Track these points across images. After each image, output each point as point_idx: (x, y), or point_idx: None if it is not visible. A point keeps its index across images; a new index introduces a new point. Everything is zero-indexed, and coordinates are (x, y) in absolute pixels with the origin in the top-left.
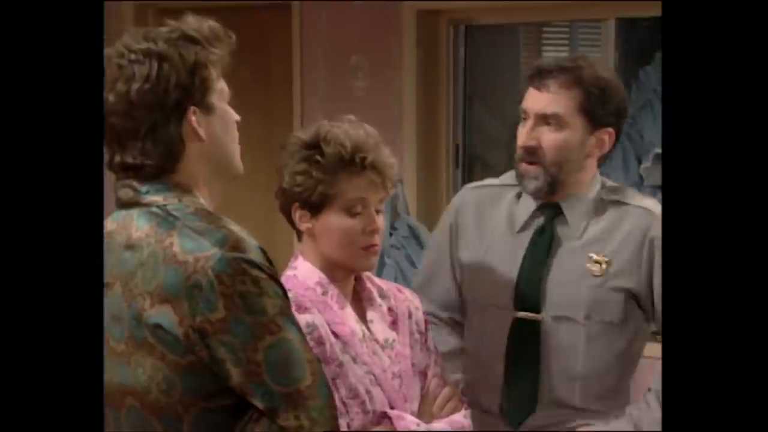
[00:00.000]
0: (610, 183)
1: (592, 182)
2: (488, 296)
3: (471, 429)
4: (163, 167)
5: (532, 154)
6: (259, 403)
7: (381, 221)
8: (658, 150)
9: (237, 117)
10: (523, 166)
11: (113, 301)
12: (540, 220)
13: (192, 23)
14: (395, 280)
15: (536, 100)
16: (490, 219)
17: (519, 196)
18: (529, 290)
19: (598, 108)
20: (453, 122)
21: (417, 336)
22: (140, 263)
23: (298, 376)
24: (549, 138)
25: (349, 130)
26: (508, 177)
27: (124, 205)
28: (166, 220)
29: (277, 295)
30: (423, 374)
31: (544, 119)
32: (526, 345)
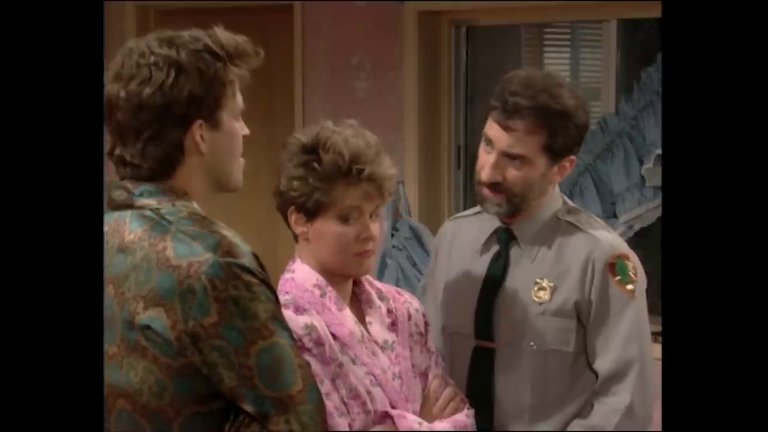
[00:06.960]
0: (571, 204)
1: (549, 201)
2: (454, 324)
3: (474, 429)
4: (159, 172)
5: (496, 185)
6: (250, 408)
7: (375, 227)
8: (660, 151)
9: (246, 131)
10: (486, 191)
11: (105, 303)
12: (496, 245)
13: (220, 37)
14: (397, 281)
15: (501, 138)
16: (459, 246)
17: (481, 219)
18: (485, 317)
19: (561, 143)
20: (454, 123)
21: (417, 337)
22: (133, 266)
23: (290, 381)
24: (513, 174)
25: (349, 138)
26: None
27: (117, 206)
28: (159, 223)
29: (269, 299)
30: (424, 375)
31: (509, 156)
32: (483, 373)
